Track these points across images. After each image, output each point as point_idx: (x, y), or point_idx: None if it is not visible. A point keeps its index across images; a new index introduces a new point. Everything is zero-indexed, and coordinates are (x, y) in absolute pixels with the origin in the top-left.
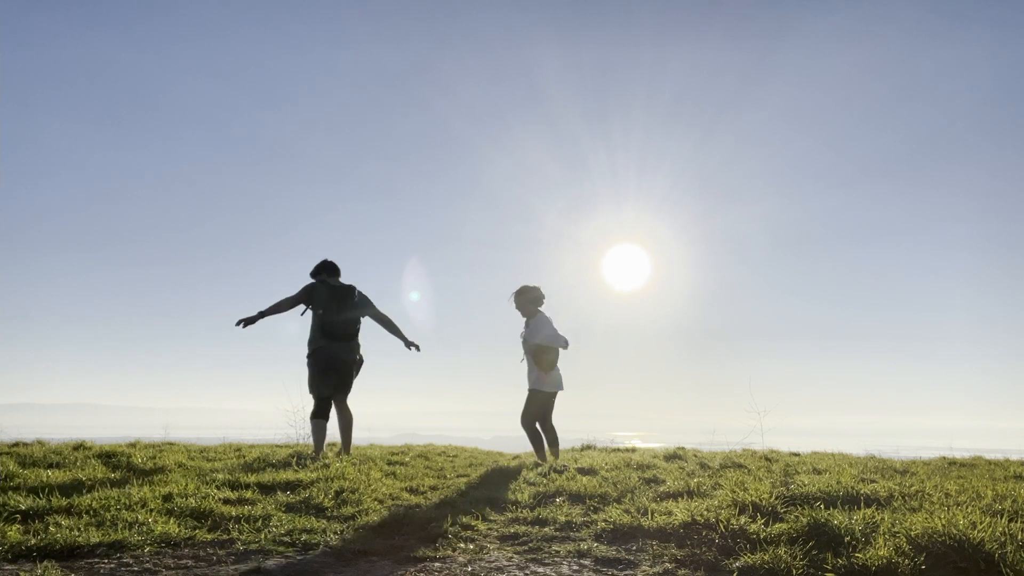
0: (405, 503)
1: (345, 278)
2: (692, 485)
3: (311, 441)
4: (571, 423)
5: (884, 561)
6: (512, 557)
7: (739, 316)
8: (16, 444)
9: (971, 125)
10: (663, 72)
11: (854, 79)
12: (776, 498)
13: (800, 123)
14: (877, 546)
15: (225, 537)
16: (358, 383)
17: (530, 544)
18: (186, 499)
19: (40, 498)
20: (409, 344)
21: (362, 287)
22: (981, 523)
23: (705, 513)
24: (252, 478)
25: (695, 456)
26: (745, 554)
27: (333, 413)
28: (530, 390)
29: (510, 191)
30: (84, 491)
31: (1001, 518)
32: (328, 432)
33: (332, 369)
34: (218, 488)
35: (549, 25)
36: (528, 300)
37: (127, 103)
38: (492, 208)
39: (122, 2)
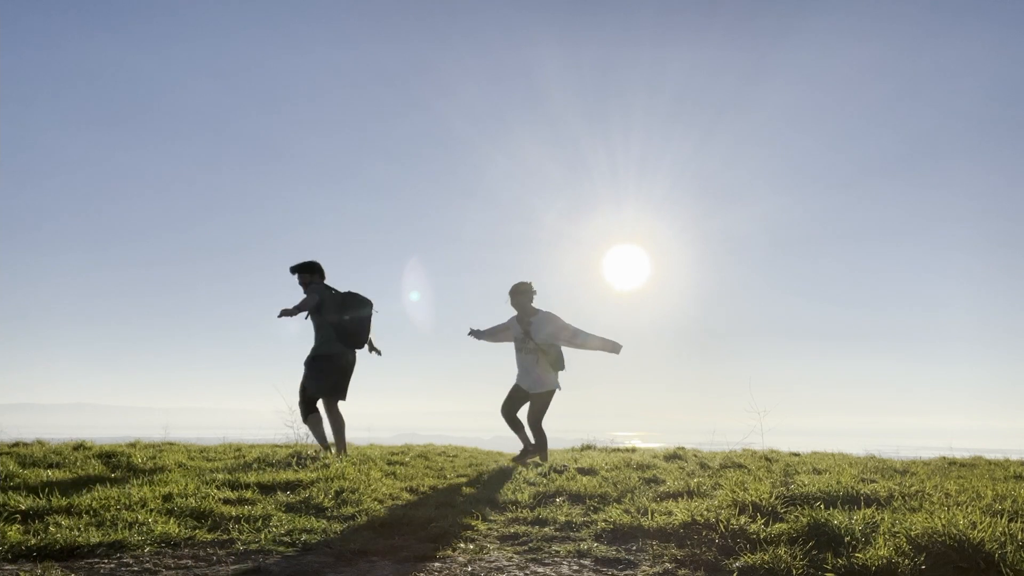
0: (405, 503)
1: (345, 279)
2: (692, 485)
3: (310, 441)
4: (571, 423)
5: (884, 561)
6: (512, 557)
7: (739, 316)
8: (16, 444)
9: (971, 125)
10: (663, 72)
11: (854, 79)
12: (776, 498)
13: (800, 123)
14: (877, 546)
15: (225, 537)
16: (359, 383)
17: (530, 544)
18: (186, 499)
19: (40, 498)
20: (372, 348)
21: (362, 287)
22: (981, 523)
23: (705, 513)
24: (252, 478)
25: (695, 456)
26: (745, 554)
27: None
28: (549, 391)
29: (510, 191)
30: (84, 491)
31: (1001, 518)
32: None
33: (346, 376)
34: (218, 488)
35: (549, 25)
36: (526, 296)
37: (127, 103)
38: (492, 208)
39: (122, 3)
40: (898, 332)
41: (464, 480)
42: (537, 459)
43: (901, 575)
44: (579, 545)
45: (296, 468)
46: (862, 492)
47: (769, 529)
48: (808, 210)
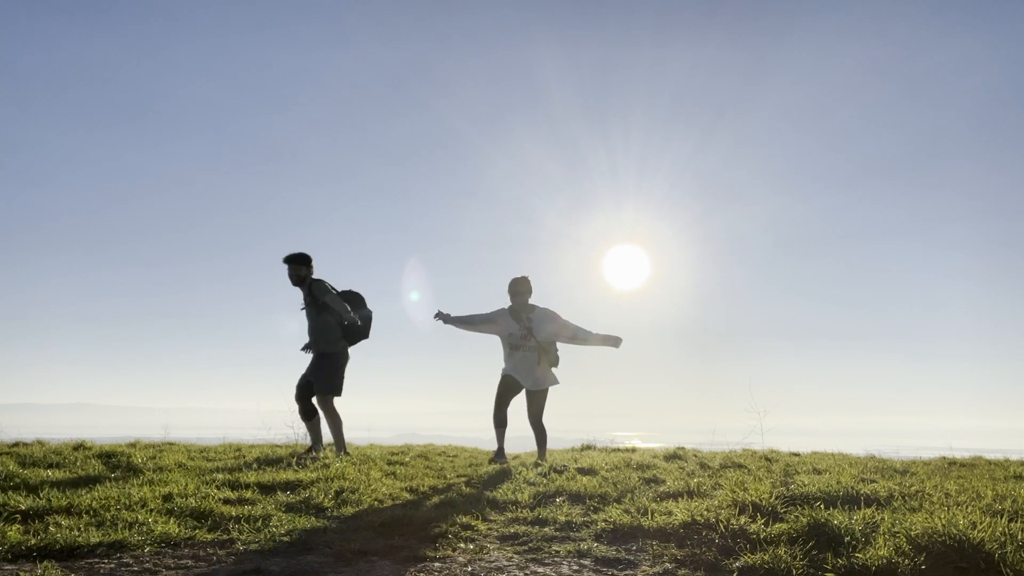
0: (405, 503)
1: (345, 279)
2: (692, 485)
3: (307, 441)
4: (571, 423)
5: (884, 561)
6: (512, 557)
7: (739, 316)
8: (16, 444)
9: (971, 125)
10: (663, 72)
11: (854, 79)
12: (776, 498)
13: (800, 123)
14: (877, 546)
15: (225, 537)
16: (360, 383)
17: (530, 544)
18: (186, 499)
19: (40, 498)
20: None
21: (363, 287)
22: (981, 523)
23: (705, 513)
24: (252, 478)
25: (695, 456)
26: (745, 554)
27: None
28: (547, 389)
29: (510, 191)
30: (84, 491)
31: (1001, 518)
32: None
33: (344, 373)
34: (218, 488)
35: (549, 25)
36: (528, 293)
37: (126, 104)
38: (492, 208)
39: (122, 4)
40: (898, 332)
41: (464, 480)
42: (537, 459)
43: (901, 575)
44: (579, 545)
45: (296, 468)
46: (862, 492)
47: (769, 529)
48: (808, 210)
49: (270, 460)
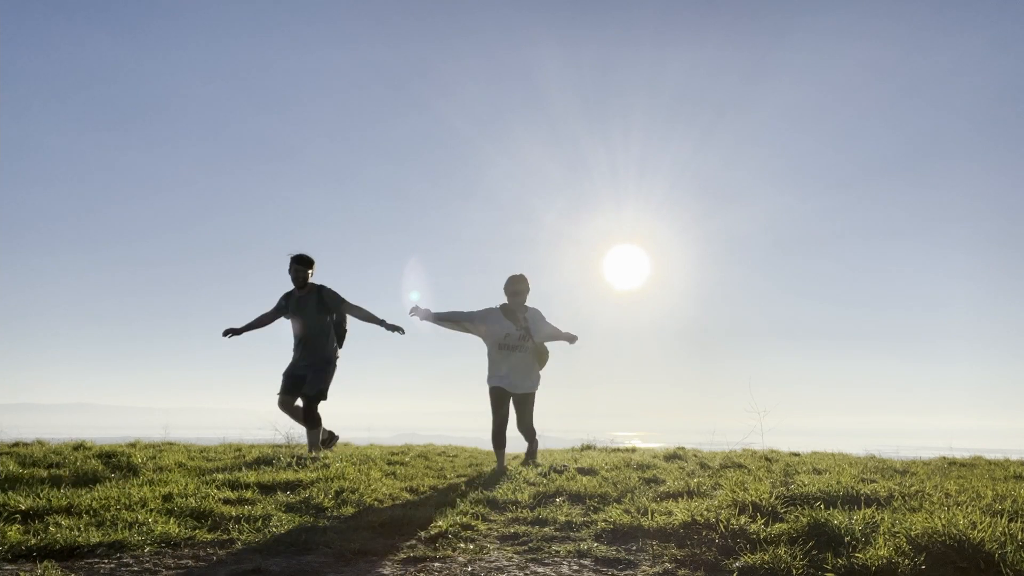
0: (405, 503)
1: (345, 279)
2: (692, 485)
3: (304, 441)
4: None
5: (884, 561)
6: (512, 557)
7: (739, 316)
8: (16, 444)
9: (971, 125)
10: (663, 72)
11: (854, 79)
12: (776, 498)
13: (800, 123)
14: (877, 546)
15: (225, 537)
16: (360, 383)
17: (530, 544)
18: (186, 499)
19: (40, 498)
20: (229, 332)
21: (362, 286)
22: (981, 523)
23: (705, 513)
24: (252, 478)
25: (695, 456)
26: (745, 554)
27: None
28: (534, 392)
29: (510, 191)
30: (84, 491)
31: (1001, 518)
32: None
33: None
34: (218, 488)
35: (549, 25)
36: (527, 290)
37: (127, 104)
38: (492, 208)
39: (123, 5)
40: (898, 332)
41: (464, 480)
42: (537, 459)
43: (901, 575)
44: (579, 545)
45: (296, 468)
46: (862, 492)
47: (769, 529)
48: (808, 210)
49: (270, 460)
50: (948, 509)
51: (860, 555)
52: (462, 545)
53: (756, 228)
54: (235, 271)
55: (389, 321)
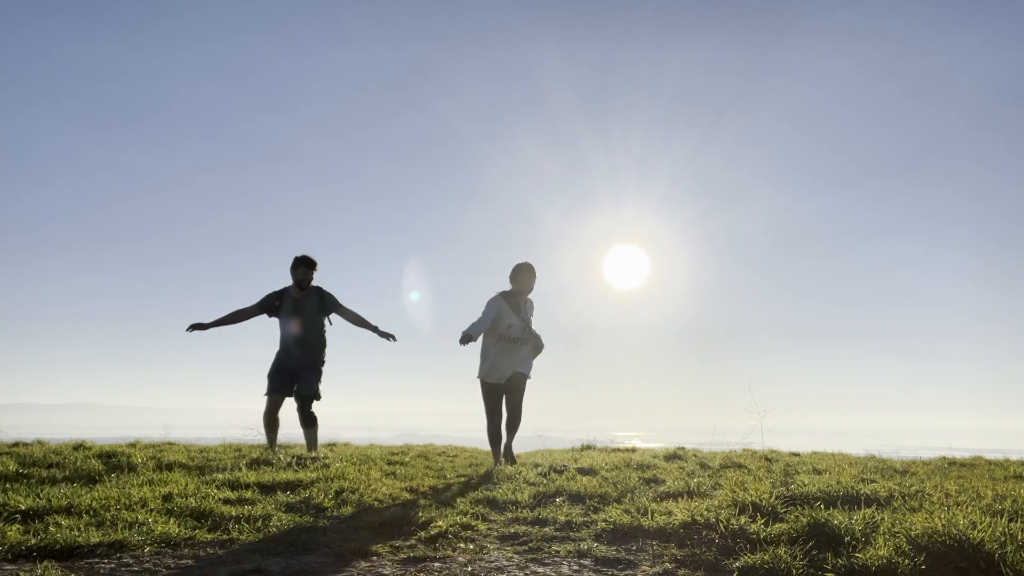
0: (405, 503)
1: (346, 279)
2: (692, 485)
3: (301, 441)
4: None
5: (884, 561)
6: (512, 557)
7: (739, 316)
8: (16, 444)
9: (971, 125)
10: (663, 72)
11: (854, 79)
12: (776, 498)
13: (800, 123)
14: (877, 546)
15: (225, 537)
16: (360, 383)
17: (530, 544)
18: (186, 499)
19: (40, 498)
20: (194, 327)
21: (362, 287)
22: (981, 523)
23: (705, 513)
24: (252, 478)
25: (695, 456)
26: (745, 554)
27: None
28: (529, 376)
29: (510, 191)
30: (84, 491)
31: (1001, 518)
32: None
33: None
34: (218, 488)
35: (549, 25)
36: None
37: (127, 104)
38: (492, 208)
39: (123, 5)
40: (898, 332)
41: (464, 480)
42: (537, 459)
43: (901, 575)
44: (579, 545)
45: (296, 468)
46: (862, 492)
47: (769, 529)
48: (808, 210)
49: (270, 460)
50: (948, 509)
51: (860, 555)
52: (462, 545)
53: (756, 228)
54: (235, 271)
55: (382, 328)
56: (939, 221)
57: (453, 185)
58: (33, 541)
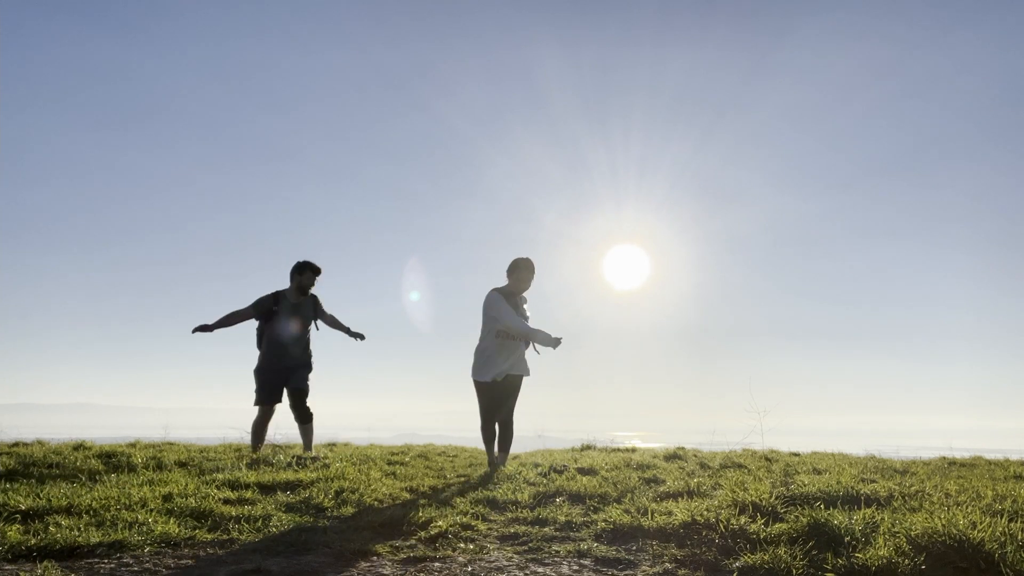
0: (405, 503)
1: (346, 279)
2: (692, 485)
3: (298, 441)
4: (571, 423)
5: (884, 561)
6: (512, 557)
7: (739, 316)
8: (16, 444)
9: (971, 125)
10: (663, 72)
11: (854, 79)
12: (776, 498)
13: (800, 123)
14: (877, 546)
15: (225, 537)
16: (360, 384)
17: (530, 544)
18: (186, 499)
19: (40, 498)
20: (200, 329)
21: (363, 287)
22: (981, 523)
23: (705, 513)
24: (252, 478)
25: (695, 456)
26: (745, 554)
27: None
28: (528, 375)
29: (510, 191)
30: (84, 491)
31: (1001, 518)
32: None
33: None
34: (218, 488)
35: (549, 25)
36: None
37: (128, 104)
38: (492, 208)
39: (123, 5)
40: (898, 332)
41: (464, 480)
42: (537, 459)
43: (901, 575)
44: (579, 545)
45: (296, 468)
46: (862, 492)
47: (769, 529)
48: (808, 210)
49: (270, 460)
50: (948, 509)
51: (860, 555)
52: (462, 545)
53: (756, 228)
54: (235, 271)
55: (353, 328)
56: (939, 221)
57: (453, 185)
58: (33, 541)
